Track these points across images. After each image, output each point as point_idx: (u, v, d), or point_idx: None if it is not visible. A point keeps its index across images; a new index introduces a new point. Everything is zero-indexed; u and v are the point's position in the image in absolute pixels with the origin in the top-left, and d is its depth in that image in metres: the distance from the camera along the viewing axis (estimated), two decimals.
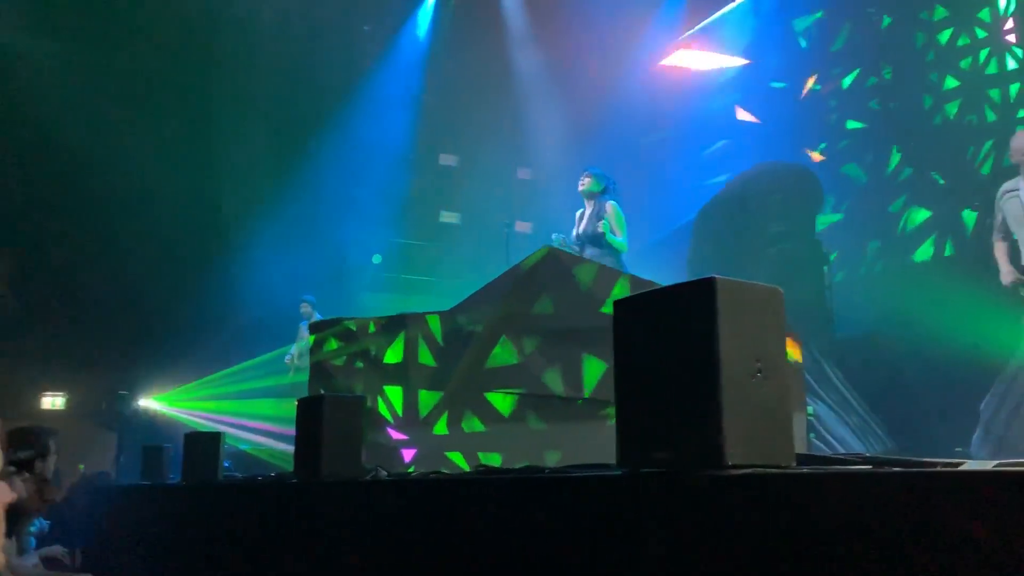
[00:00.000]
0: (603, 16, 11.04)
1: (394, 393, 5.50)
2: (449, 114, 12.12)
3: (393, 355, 5.56)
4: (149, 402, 11.72)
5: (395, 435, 5.46)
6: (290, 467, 4.60)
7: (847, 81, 10.70)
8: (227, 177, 11.66)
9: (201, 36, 11.44)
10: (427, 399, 5.41)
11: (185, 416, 11.49)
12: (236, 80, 11.72)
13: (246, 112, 11.71)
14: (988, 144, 8.91)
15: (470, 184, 12.23)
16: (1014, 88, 9.18)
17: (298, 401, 4.30)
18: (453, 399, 5.34)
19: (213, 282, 11.21)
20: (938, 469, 1.97)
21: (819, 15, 10.90)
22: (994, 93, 9.35)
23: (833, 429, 7.42)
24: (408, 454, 5.39)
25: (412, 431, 5.43)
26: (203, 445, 5.55)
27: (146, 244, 11.14)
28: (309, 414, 4.12)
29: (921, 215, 9.41)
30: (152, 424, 11.18)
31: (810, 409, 6.15)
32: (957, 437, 7.26)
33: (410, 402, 5.47)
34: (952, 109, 9.61)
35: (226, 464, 6.09)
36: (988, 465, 2.10)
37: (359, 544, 3.57)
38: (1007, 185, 6.02)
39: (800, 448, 4.88)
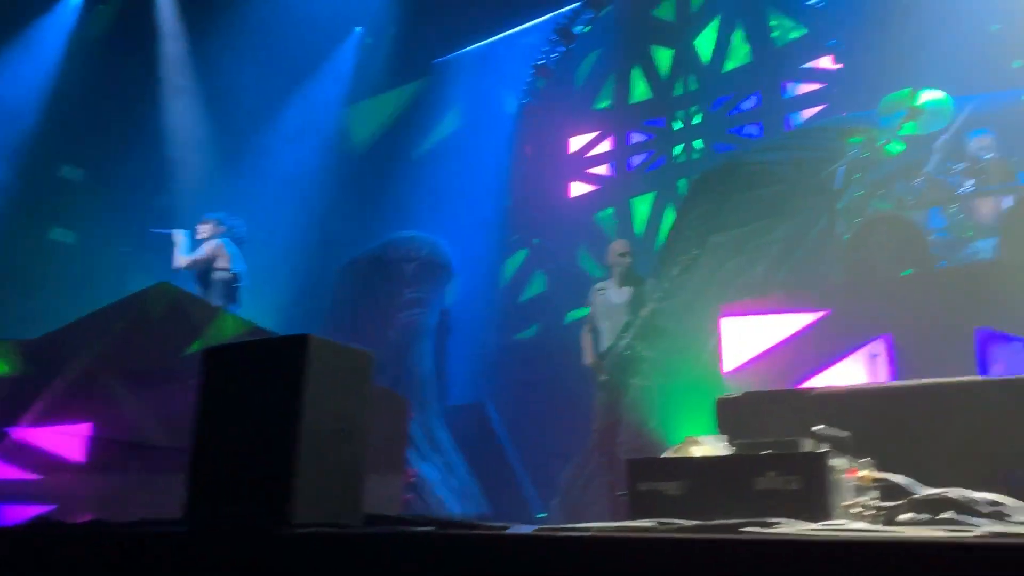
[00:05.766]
0: (267, 49, 10.81)
1: None
2: (80, 124, 10.93)
3: None
4: None
5: None
6: None
7: None
8: None
9: None
10: None
11: None
12: None
13: None
14: None
15: (95, 202, 11.09)
16: None
17: None
18: None
19: None
20: (481, 532, 2.15)
21: None
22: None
23: (436, 491, 7.76)
24: None
25: None
26: None
27: None
28: None
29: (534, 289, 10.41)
30: None
31: (414, 471, 6.39)
32: (545, 502, 8.03)
33: None
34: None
35: None
36: (528, 529, 2.35)
37: None
38: (600, 284, 6.94)
39: (395, 509, 5.05)
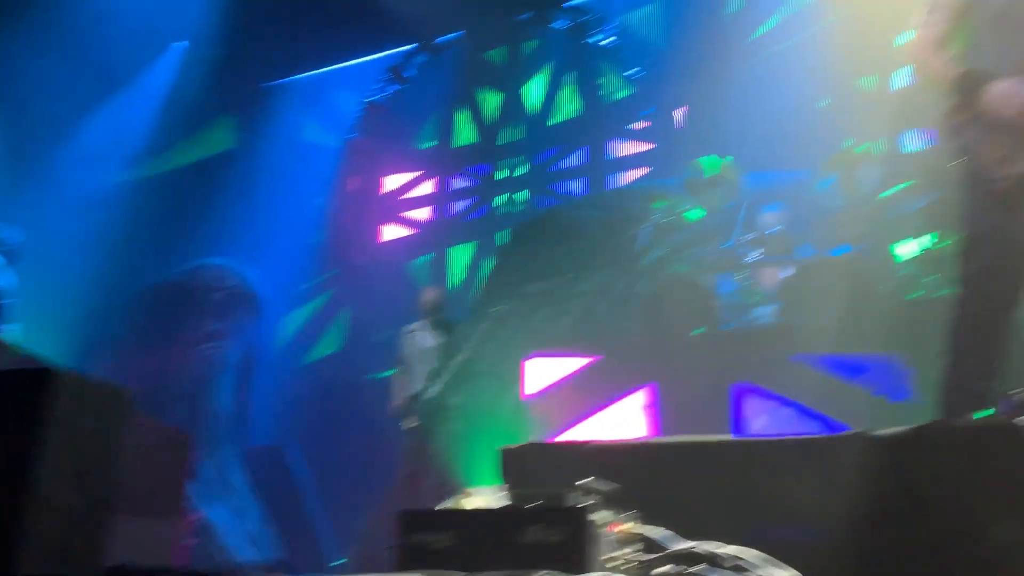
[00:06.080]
0: (77, 57, 10.05)
1: None
2: None
3: None
4: None
5: None
6: None
7: None
8: None
9: None
10: None
11: None
12: None
13: None
14: None
15: None
16: None
17: None
18: None
19: None
20: None
21: None
22: None
23: (226, 536, 7.36)
24: None
25: None
26: None
27: None
28: None
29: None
30: None
31: (198, 515, 6.02)
32: (346, 550, 7.81)
33: None
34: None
35: None
36: None
37: None
38: (411, 326, 6.88)
39: (172, 555, 4.71)
